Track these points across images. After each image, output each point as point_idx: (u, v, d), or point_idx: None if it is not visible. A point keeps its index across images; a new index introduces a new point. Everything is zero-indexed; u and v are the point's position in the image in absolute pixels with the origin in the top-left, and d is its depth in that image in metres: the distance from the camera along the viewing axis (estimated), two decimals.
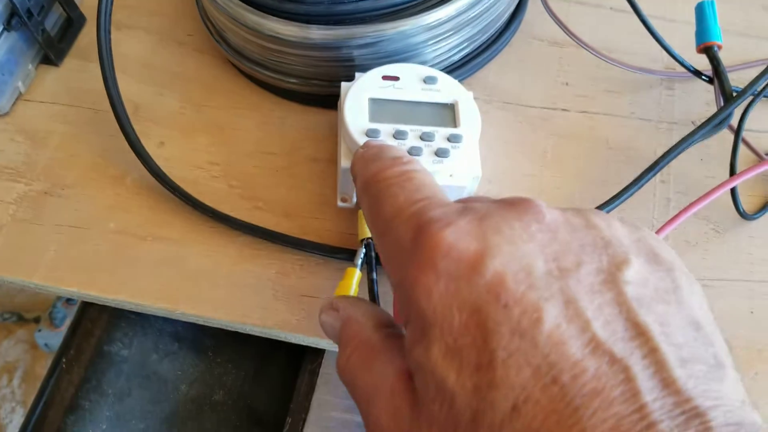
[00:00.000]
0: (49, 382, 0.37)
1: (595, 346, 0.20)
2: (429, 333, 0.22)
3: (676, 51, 0.41)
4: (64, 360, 0.38)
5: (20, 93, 0.45)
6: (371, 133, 0.35)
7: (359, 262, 0.36)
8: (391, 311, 0.34)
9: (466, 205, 0.25)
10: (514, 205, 0.24)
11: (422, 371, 0.23)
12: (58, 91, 0.46)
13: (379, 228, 0.27)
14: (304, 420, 0.35)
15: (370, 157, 0.30)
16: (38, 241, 0.39)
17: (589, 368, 0.20)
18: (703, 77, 0.41)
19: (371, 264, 0.36)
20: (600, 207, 0.37)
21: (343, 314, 0.29)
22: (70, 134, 0.44)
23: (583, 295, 0.22)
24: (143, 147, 0.41)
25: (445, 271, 0.22)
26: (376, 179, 0.28)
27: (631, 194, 0.37)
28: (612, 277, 0.22)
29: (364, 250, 0.36)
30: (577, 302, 0.21)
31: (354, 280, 0.35)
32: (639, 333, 0.21)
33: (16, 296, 1.48)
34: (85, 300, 0.38)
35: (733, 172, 0.38)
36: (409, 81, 0.38)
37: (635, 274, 0.22)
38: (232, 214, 0.39)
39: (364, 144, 0.32)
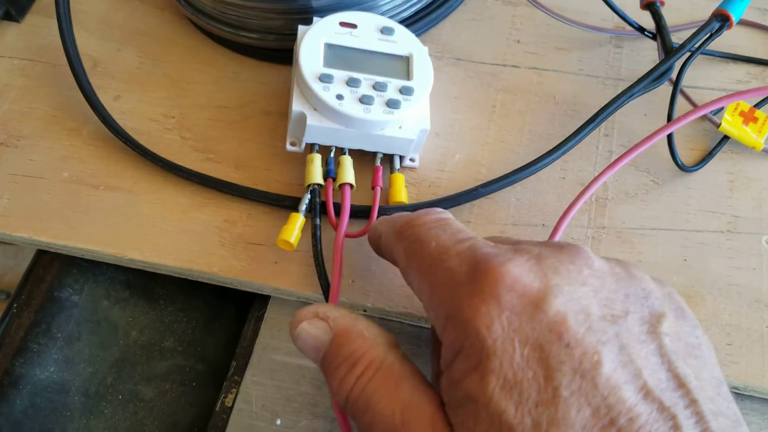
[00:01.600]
0: None
1: (647, 392, 0.22)
2: (487, 364, 0.22)
3: (627, 10, 0.42)
4: (15, 305, 0.39)
5: None
6: (324, 78, 0.36)
7: (303, 207, 0.36)
8: (330, 266, 0.35)
9: (517, 246, 0.26)
10: (564, 248, 0.25)
11: (474, 403, 0.23)
12: (19, 46, 0.46)
13: (424, 264, 0.26)
14: (247, 362, 0.36)
15: (395, 216, 0.30)
16: None
17: (642, 413, 0.21)
18: (647, 33, 0.42)
19: (315, 210, 0.36)
20: (542, 158, 0.38)
21: (336, 325, 0.28)
22: (28, 88, 0.44)
23: (634, 343, 0.23)
24: (98, 100, 0.41)
25: (509, 304, 0.23)
26: (411, 225, 0.28)
27: (572, 146, 0.38)
28: (653, 328, 0.23)
29: (309, 196, 0.37)
30: (630, 349, 0.22)
31: (297, 224, 0.36)
32: (680, 384, 0.22)
33: (6, 275, 1.49)
34: (37, 247, 0.39)
35: (670, 118, 0.38)
36: (367, 30, 0.38)
37: (670, 327, 0.24)
38: (184, 165, 0.40)
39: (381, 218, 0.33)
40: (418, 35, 0.44)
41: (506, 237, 0.29)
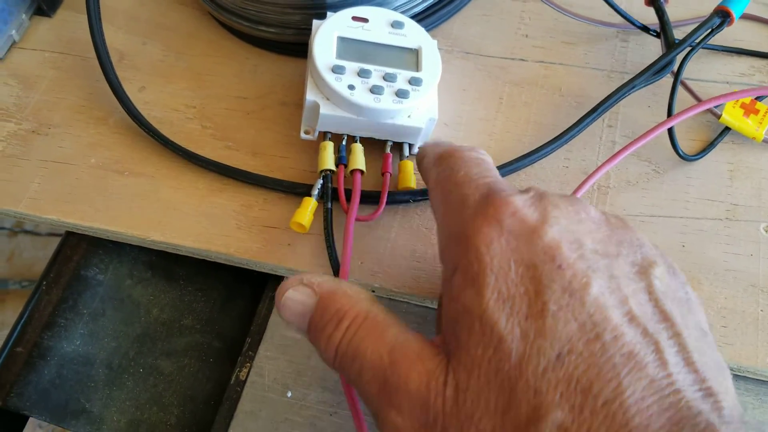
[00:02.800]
0: (30, 303, 0.40)
1: (632, 318, 0.23)
2: (483, 278, 0.24)
3: (633, 4, 0.43)
4: (44, 283, 0.41)
5: (14, 41, 0.48)
6: (337, 69, 0.38)
7: (316, 192, 0.38)
8: (340, 248, 0.37)
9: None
10: (565, 196, 0.27)
11: (469, 315, 0.24)
12: (50, 40, 0.49)
13: (447, 188, 0.29)
14: (261, 339, 0.38)
15: (442, 144, 0.32)
16: (24, 174, 0.42)
17: (627, 333, 0.23)
18: (651, 32, 0.43)
19: (328, 195, 0.38)
20: (545, 146, 0.39)
21: (319, 289, 0.28)
22: (58, 79, 0.47)
23: (623, 278, 0.24)
24: (124, 91, 0.43)
25: (509, 227, 0.25)
26: (452, 154, 0.30)
27: (574, 135, 0.39)
28: (644, 270, 0.25)
29: (321, 181, 0.38)
30: (618, 280, 0.24)
31: (309, 208, 0.37)
32: (665, 318, 0.24)
33: (35, 265, 1.53)
34: (65, 228, 0.41)
35: (670, 113, 0.40)
36: (378, 24, 0.40)
37: (661, 275, 0.25)
38: (204, 152, 0.42)
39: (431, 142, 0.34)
40: (429, 30, 0.46)
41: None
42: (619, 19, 0.45)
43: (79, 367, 0.39)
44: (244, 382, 0.36)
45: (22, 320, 0.40)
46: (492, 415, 0.23)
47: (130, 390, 0.39)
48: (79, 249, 0.42)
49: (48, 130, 0.44)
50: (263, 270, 0.39)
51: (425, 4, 0.45)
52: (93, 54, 0.47)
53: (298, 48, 0.45)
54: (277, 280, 0.40)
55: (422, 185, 0.40)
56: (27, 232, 1.39)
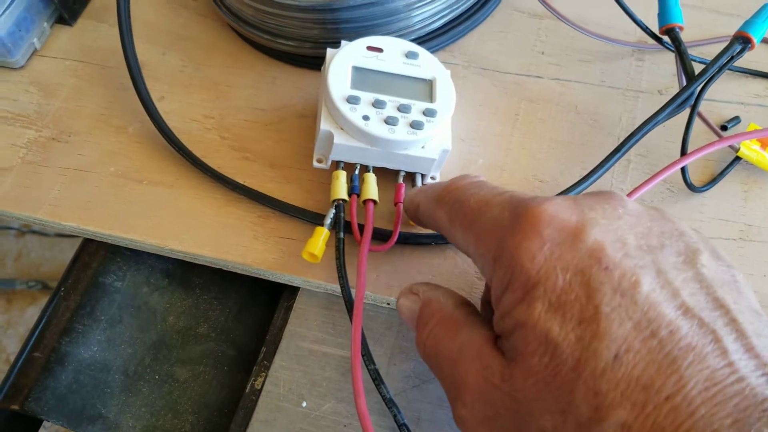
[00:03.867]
0: (48, 309, 0.41)
1: (686, 310, 0.23)
2: (533, 292, 0.24)
3: (648, 22, 0.43)
4: (62, 289, 0.41)
5: (35, 49, 0.49)
6: (352, 100, 0.38)
7: (328, 221, 0.38)
8: (352, 276, 0.37)
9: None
10: (599, 194, 0.27)
11: (523, 327, 0.25)
12: (71, 48, 0.49)
13: (467, 219, 0.29)
14: (276, 349, 0.38)
15: (430, 185, 0.33)
16: (44, 181, 0.43)
17: (683, 327, 0.23)
18: (667, 45, 0.43)
19: (340, 225, 0.38)
20: (578, 184, 0.39)
21: (423, 297, 0.32)
22: (79, 87, 0.47)
23: (671, 269, 0.24)
24: (151, 99, 0.44)
25: (549, 237, 0.25)
26: (449, 190, 0.31)
27: (602, 174, 0.39)
28: (690, 259, 0.25)
29: (333, 211, 0.38)
30: (667, 273, 0.24)
31: (322, 238, 0.37)
32: (719, 306, 0.23)
33: (42, 265, 1.53)
34: (83, 236, 0.42)
35: (684, 149, 0.40)
36: (392, 54, 0.40)
37: (707, 261, 0.25)
38: (222, 163, 0.42)
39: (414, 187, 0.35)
40: (446, 46, 0.47)
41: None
42: (634, 37, 0.46)
43: (95, 373, 0.39)
44: (260, 391, 0.37)
45: (41, 325, 0.40)
46: (552, 413, 0.24)
47: (146, 396, 0.39)
48: (97, 256, 0.42)
49: (68, 137, 0.45)
50: (279, 281, 0.40)
51: (443, 21, 0.45)
52: (113, 63, 0.48)
53: (316, 61, 0.46)
54: (292, 290, 0.40)
55: None
56: (34, 233, 1.39)
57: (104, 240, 0.41)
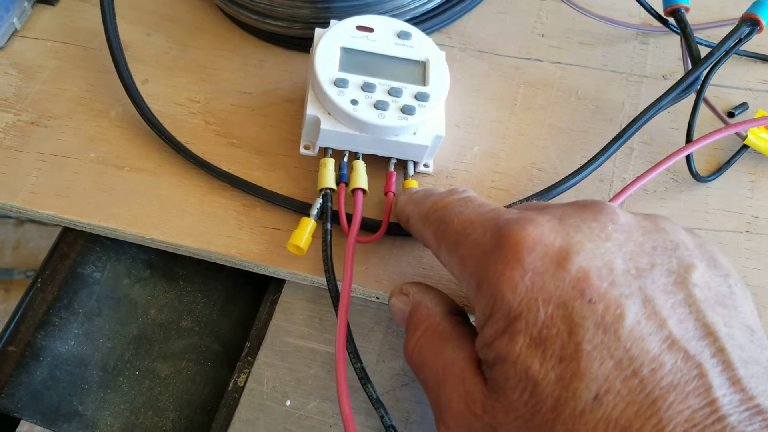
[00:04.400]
0: (24, 301, 0.39)
1: (672, 342, 0.22)
2: (514, 325, 0.24)
3: (654, 5, 0.41)
4: (39, 280, 0.40)
5: (15, 29, 0.47)
6: (340, 83, 0.36)
7: (315, 211, 0.36)
8: (339, 269, 0.35)
9: (542, 210, 0.26)
10: (588, 206, 0.26)
11: (504, 362, 0.24)
12: (52, 29, 0.47)
13: (451, 241, 0.28)
14: (260, 344, 0.36)
15: (420, 196, 0.32)
16: (22, 167, 0.41)
17: (666, 363, 0.22)
18: (672, 27, 0.41)
19: (327, 215, 0.36)
20: (578, 172, 0.37)
21: (413, 299, 0.31)
22: (60, 69, 0.45)
23: (659, 295, 0.23)
24: (134, 82, 0.42)
25: (531, 265, 0.24)
26: (435, 208, 0.30)
27: (599, 165, 0.37)
28: (681, 279, 0.24)
29: (320, 201, 0.37)
30: (654, 301, 0.23)
31: (307, 229, 0.36)
32: (708, 333, 0.22)
33: (40, 255, 1.52)
34: (61, 224, 0.40)
35: (690, 136, 0.38)
36: (383, 34, 0.38)
37: (700, 277, 0.24)
38: (207, 149, 0.41)
39: (405, 191, 0.34)
40: (442, 27, 0.45)
41: (536, 203, 0.30)
42: (638, 19, 0.44)
43: (72, 368, 0.38)
44: (242, 388, 0.35)
45: (16, 318, 0.39)
46: None
47: (125, 393, 0.37)
48: (76, 246, 0.41)
49: (48, 122, 0.43)
50: (264, 273, 0.38)
51: (438, 0, 0.43)
52: (95, 44, 0.46)
53: (306, 43, 0.44)
54: (278, 282, 0.38)
55: None
56: (33, 222, 1.38)
57: (83, 229, 0.40)
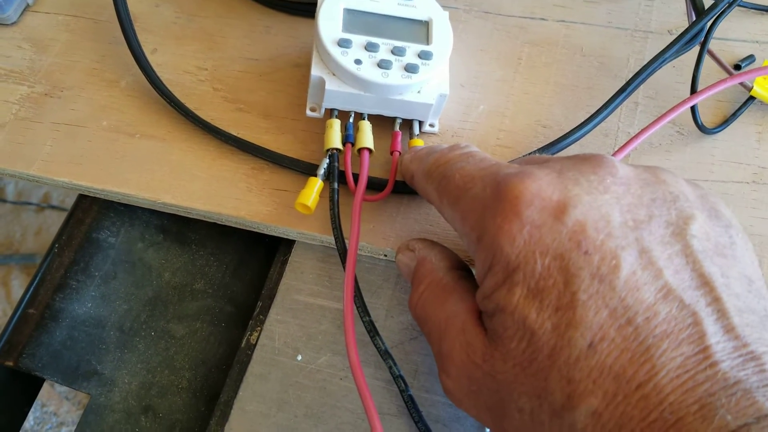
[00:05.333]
0: (42, 266, 0.40)
1: (667, 292, 0.22)
2: (512, 276, 0.24)
3: None
4: (56, 245, 0.41)
5: (28, 4, 0.48)
6: (343, 43, 0.36)
7: (322, 171, 0.37)
8: (347, 228, 0.36)
9: (542, 164, 0.27)
10: (587, 159, 0.26)
11: (502, 312, 0.24)
12: (63, 3, 0.48)
13: (452, 196, 0.28)
14: (272, 303, 0.37)
15: (423, 153, 0.32)
16: (37, 137, 0.42)
17: (660, 312, 0.22)
18: None
19: (334, 175, 0.37)
20: (583, 126, 0.37)
21: (418, 254, 0.32)
22: (71, 42, 0.46)
23: (656, 246, 0.23)
24: (143, 51, 0.43)
25: (529, 219, 0.24)
26: (437, 164, 0.30)
27: (608, 114, 0.37)
28: (680, 230, 0.24)
29: (327, 161, 0.37)
30: (651, 252, 0.23)
31: (315, 188, 0.36)
32: (704, 283, 0.23)
33: None
34: (76, 191, 0.41)
35: (694, 87, 0.38)
36: None
37: (699, 228, 0.24)
38: (216, 115, 0.41)
39: (410, 149, 0.35)
40: None
41: (537, 156, 0.30)
42: None
43: (90, 329, 0.39)
44: (255, 345, 0.36)
45: (35, 282, 0.40)
46: (530, 396, 0.24)
47: (142, 353, 0.38)
48: (90, 212, 0.42)
49: (60, 92, 0.44)
50: (274, 233, 0.39)
51: None
52: (105, 17, 0.47)
53: (312, 8, 0.44)
54: (288, 243, 0.39)
55: None
56: (54, 208, 1.40)
57: (97, 195, 0.41)
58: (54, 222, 1.40)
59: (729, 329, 0.22)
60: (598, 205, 0.24)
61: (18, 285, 1.36)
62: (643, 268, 0.23)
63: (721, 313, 0.22)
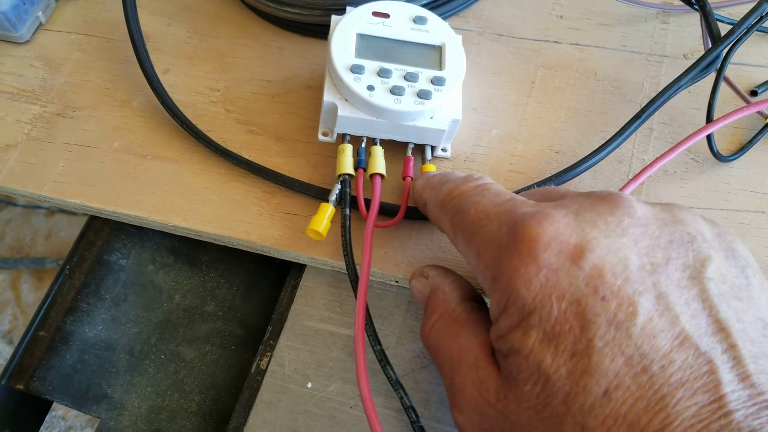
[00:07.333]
0: (53, 288, 0.40)
1: (683, 339, 0.22)
2: (528, 319, 0.24)
3: None
4: (67, 267, 0.41)
5: (41, 23, 0.48)
6: (356, 69, 0.36)
7: (334, 197, 0.37)
8: (359, 254, 0.36)
9: (558, 202, 0.27)
10: (605, 199, 0.26)
11: (517, 355, 0.24)
12: (76, 22, 0.48)
13: (467, 232, 0.28)
14: (282, 328, 0.37)
15: (437, 182, 0.32)
16: (49, 157, 0.42)
17: (676, 360, 0.22)
18: (694, 5, 0.40)
19: (346, 200, 0.37)
20: (596, 153, 0.37)
21: (431, 282, 0.32)
22: (84, 61, 0.46)
23: (673, 290, 0.23)
24: (155, 72, 0.43)
25: (546, 262, 0.24)
26: (452, 196, 0.30)
27: (617, 145, 0.37)
28: (697, 273, 0.24)
29: (339, 186, 0.37)
30: (668, 297, 0.23)
31: (326, 215, 0.36)
32: (720, 329, 0.23)
33: (71, 244, 1.55)
34: (88, 213, 0.41)
35: (710, 116, 0.37)
36: (399, 19, 0.39)
37: (716, 270, 0.24)
38: (227, 137, 0.41)
39: (422, 175, 0.34)
40: (459, 11, 0.44)
41: (552, 189, 0.30)
42: None
43: (100, 352, 0.39)
44: (265, 371, 0.36)
45: (45, 304, 0.40)
46: None
47: (152, 376, 0.38)
48: (102, 233, 0.42)
49: (73, 113, 0.44)
50: (285, 258, 0.38)
51: None
52: (118, 36, 0.47)
53: (324, 29, 0.44)
54: (299, 267, 0.39)
55: None
56: (64, 212, 1.41)
57: (108, 217, 0.41)
58: (64, 226, 1.41)
59: (744, 377, 0.22)
60: (616, 249, 0.24)
61: (27, 289, 1.36)
62: (660, 314, 0.23)
63: (737, 360, 0.22)
